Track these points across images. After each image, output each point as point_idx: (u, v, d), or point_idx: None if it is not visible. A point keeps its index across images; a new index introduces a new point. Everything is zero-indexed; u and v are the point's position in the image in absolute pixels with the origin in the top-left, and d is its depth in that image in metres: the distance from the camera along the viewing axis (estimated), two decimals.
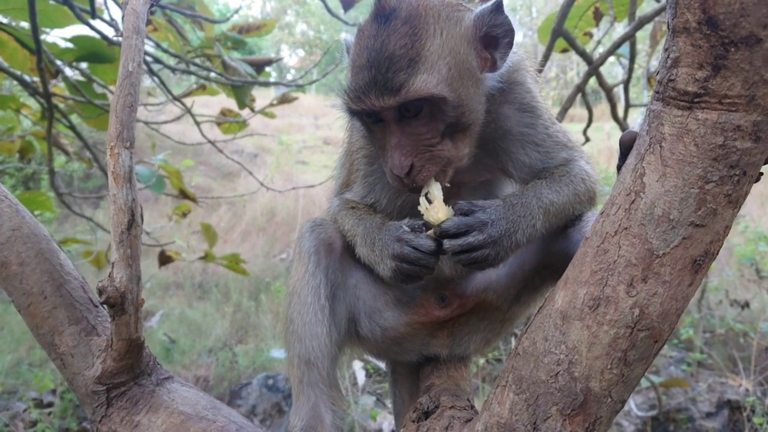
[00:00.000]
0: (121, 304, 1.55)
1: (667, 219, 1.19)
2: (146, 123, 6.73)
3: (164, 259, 6.30)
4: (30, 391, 7.64)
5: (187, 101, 5.80)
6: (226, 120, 6.30)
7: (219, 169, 15.12)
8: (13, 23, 4.26)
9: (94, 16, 3.76)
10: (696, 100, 1.15)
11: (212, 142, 6.58)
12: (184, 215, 7.08)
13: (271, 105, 6.24)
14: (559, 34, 4.39)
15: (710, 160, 1.16)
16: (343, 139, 2.12)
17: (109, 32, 4.15)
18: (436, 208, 1.64)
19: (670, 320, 1.23)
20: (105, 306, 1.57)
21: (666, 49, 1.19)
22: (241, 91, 5.36)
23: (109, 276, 1.55)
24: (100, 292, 1.54)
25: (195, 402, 1.70)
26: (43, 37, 4.28)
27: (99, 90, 5.02)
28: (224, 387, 8.43)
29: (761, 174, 1.30)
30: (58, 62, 4.56)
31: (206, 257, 6.26)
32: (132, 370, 1.67)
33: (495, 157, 1.87)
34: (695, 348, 8.87)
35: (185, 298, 10.84)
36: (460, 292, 1.95)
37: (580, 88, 5.10)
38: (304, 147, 18.16)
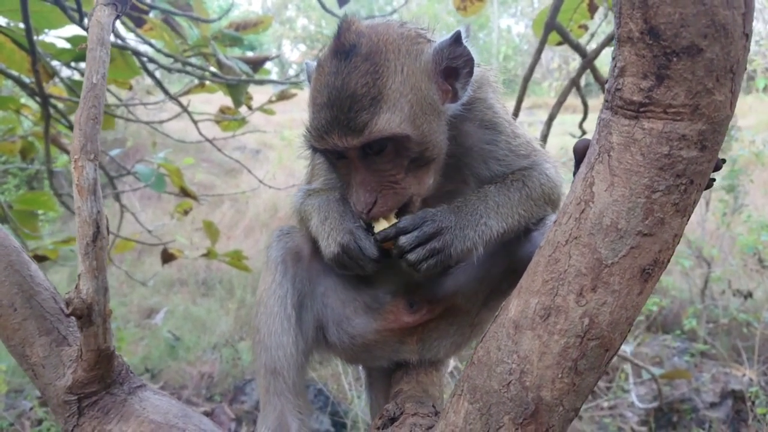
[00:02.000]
0: (89, 316, 1.57)
1: (615, 228, 1.19)
2: (147, 123, 6.76)
3: (167, 257, 6.33)
4: (35, 390, 7.73)
5: (188, 99, 5.80)
6: (225, 118, 6.31)
7: (221, 165, 15.15)
8: (11, 24, 4.28)
9: (81, 19, 3.77)
10: (642, 109, 1.15)
11: (210, 141, 6.59)
12: (186, 213, 7.10)
13: (270, 102, 6.25)
14: (552, 28, 4.37)
15: (656, 169, 1.16)
16: None
17: None
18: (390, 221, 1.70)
19: (621, 329, 1.23)
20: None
21: (613, 59, 1.19)
22: (236, 90, 5.36)
23: (75, 288, 1.57)
24: (67, 303, 1.55)
25: (166, 410, 1.72)
26: (41, 37, 4.30)
27: None
28: (228, 383, 8.50)
29: (713, 180, 1.29)
30: (56, 63, 4.59)
31: (208, 254, 6.30)
32: (103, 379, 1.69)
33: (457, 171, 1.87)
34: (699, 338, 8.84)
35: (189, 295, 10.90)
36: (429, 297, 1.96)
37: (575, 82, 5.07)
38: None
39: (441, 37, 1.78)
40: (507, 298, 1.36)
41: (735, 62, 1.10)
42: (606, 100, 1.23)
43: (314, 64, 1.79)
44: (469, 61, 1.75)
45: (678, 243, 1.23)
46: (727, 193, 10.20)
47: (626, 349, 7.64)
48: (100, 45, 1.68)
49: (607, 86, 1.23)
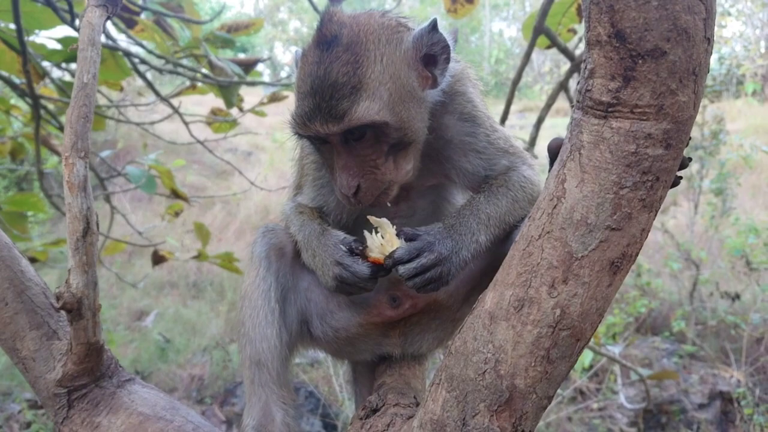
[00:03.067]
0: (78, 310, 1.61)
1: (585, 223, 1.24)
2: (138, 124, 6.77)
3: (157, 259, 6.34)
4: (25, 392, 7.71)
5: (179, 100, 5.83)
6: (216, 119, 6.33)
7: (213, 167, 15.16)
8: (2, 24, 4.30)
9: (73, 20, 3.80)
10: (610, 109, 1.21)
11: (201, 142, 6.62)
12: (177, 215, 7.11)
13: (261, 104, 6.28)
14: (541, 32, 4.42)
15: (624, 166, 1.21)
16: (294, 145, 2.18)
17: None
18: (389, 242, 1.73)
19: (591, 319, 1.28)
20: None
21: (583, 61, 1.24)
22: (228, 91, 5.40)
23: (66, 282, 1.61)
24: (57, 297, 1.59)
25: (154, 403, 1.75)
26: (31, 38, 4.32)
27: None
28: (219, 386, 8.51)
29: (680, 178, 1.35)
30: (46, 63, 4.60)
31: (199, 256, 6.32)
32: (92, 372, 1.73)
33: (439, 164, 1.92)
34: (687, 340, 8.93)
35: (180, 297, 10.91)
36: (412, 293, 2.00)
37: (563, 85, 5.14)
38: None
39: (419, 25, 1.84)
40: (484, 291, 1.41)
41: (697, 65, 1.16)
42: (577, 101, 1.28)
43: (302, 52, 1.85)
44: (446, 48, 1.80)
45: (646, 238, 1.28)
46: (716, 196, 10.32)
47: (615, 350, 7.71)
48: (91, 45, 1.72)
49: (578, 87, 1.28)
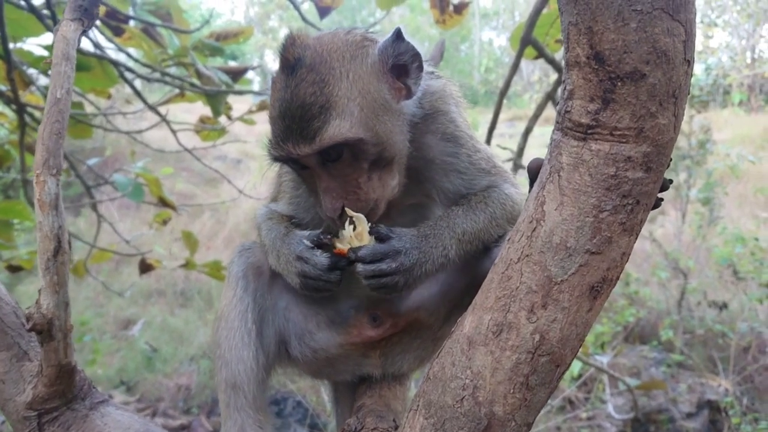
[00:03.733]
0: (49, 331, 1.57)
1: (564, 247, 1.22)
2: (126, 132, 6.71)
3: (145, 267, 6.27)
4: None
5: (167, 108, 5.79)
6: (204, 128, 6.29)
7: (202, 175, 15.08)
8: None
9: (55, 26, 3.75)
10: (589, 131, 1.19)
11: (189, 150, 6.56)
12: (165, 223, 7.05)
13: (250, 112, 6.25)
14: (528, 42, 4.43)
15: (604, 189, 1.19)
16: None
17: (83, 42, 4.15)
18: (359, 236, 1.70)
19: (571, 345, 1.26)
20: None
21: (563, 82, 1.22)
22: (215, 100, 5.36)
23: (36, 302, 1.57)
24: (28, 318, 1.55)
25: (128, 426, 1.71)
26: (17, 45, 4.27)
27: (75, 98, 5.01)
28: (206, 395, 8.43)
29: (661, 200, 1.33)
30: (32, 71, 4.55)
31: (187, 265, 6.26)
32: (64, 395, 1.69)
33: (419, 184, 1.90)
34: (675, 349, 8.94)
35: (167, 306, 10.81)
36: (393, 312, 1.98)
37: (550, 96, 5.15)
38: None
39: (384, 37, 1.81)
40: (463, 314, 1.38)
41: (677, 87, 1.14)
42: (557, 122, 1.26)
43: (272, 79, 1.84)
44: (416, 56, 1.77)
45: (626, 261, 1.26)
46: (703, 205, 10.37)
47: (603, 360, 7.71)
48: (65, 60, 1.68)
49: (557, 108, 1.26)
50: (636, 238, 1.25)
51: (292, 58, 1.70)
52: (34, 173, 1.57)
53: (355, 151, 1.68)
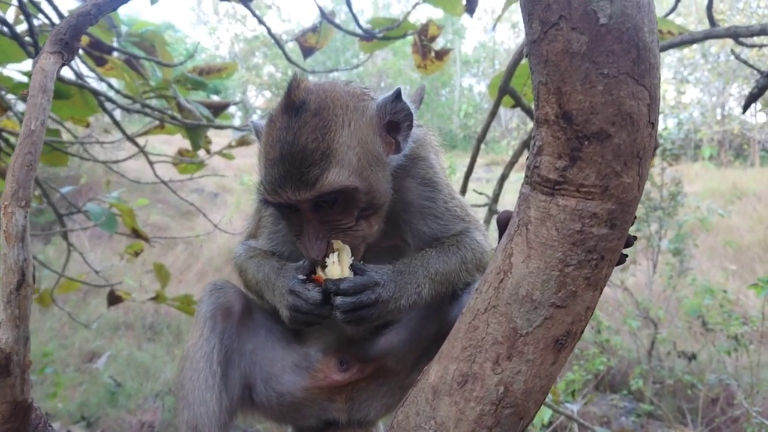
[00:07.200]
0: (6, 366, 1.52)
1: (530, 299, 1.24)
2: (103, 162, 6.66)
3: (113, 299, 6.15)
4: None
5: (146, 139, 5.77)
6: (183, 160, 6.28)
7: (177, 207, 14.96)
8: None
9: (38, 54, 3.75)
10: (557, 187, 1.22)
11: (165, 183, 6.52)
12: (137, 254, 6.95)
13: (230, 146, 6.26)
14: (506, 92, 4.53)
15: (569, 244, 1.21)
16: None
17: (64, 70, 4.14)
18: (341, 268, 1.71)
19: (535, 397, 1.26)
20: None
21: (533, 138, 1.26)
22: (194, 134, 5.36)
23: None
24: None
25: None
26: None
27: (53, 125, 4.97)
28: None
29: (625, 256, 1.36)
30: (11, 96, 4.51)
31: (157, 298, 6.16)
32: None
33: (396, 226, 1.93)
34: (645, 398, 8.96)
35: (135, 340, 10.57)
36: (360, 357, 1.97)
37: (527, 143, 5.25)
38: None
39: (382, 94, 1.87)
40: (429, 363, 1.38)
41: (641, 148, 1.18)
42: (526, 176, 1.29)
43: (261, 122, 1.85)
44: (409, 116, 1.84)
45: (591, 315, 1.28)
46: (674, 256, 10.55)
47: (574, 408, 7.67)
48: (42, 92, 1.68)
49: (527, 162, 1.29)
50: (600, 293, 1.27)
51: (297, 101, 1.72)
52: (2, 204, 1.55)
53: (348, 198, 1.71)
